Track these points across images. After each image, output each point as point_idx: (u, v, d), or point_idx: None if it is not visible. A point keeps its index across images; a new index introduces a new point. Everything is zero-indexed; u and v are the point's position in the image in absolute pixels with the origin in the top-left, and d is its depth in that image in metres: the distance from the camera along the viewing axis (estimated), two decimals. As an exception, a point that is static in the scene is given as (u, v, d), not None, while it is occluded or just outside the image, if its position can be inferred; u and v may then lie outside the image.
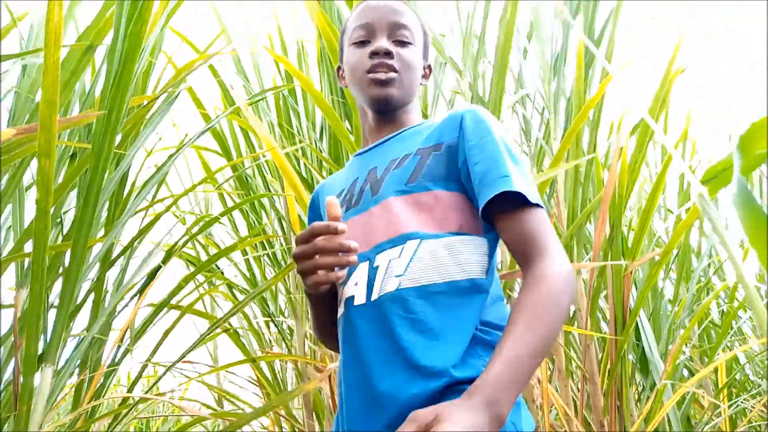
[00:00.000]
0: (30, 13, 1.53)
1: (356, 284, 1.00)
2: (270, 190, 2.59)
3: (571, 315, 2.15)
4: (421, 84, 1.19)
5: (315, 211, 1.25)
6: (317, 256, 0.91)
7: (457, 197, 1.00)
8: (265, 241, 2.60)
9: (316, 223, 0.91)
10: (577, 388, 2.20)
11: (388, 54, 1.08)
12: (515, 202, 0.93)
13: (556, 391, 2.09)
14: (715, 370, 2.72)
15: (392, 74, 1.08)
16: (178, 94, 1.62)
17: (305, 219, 1.31)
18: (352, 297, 0.99)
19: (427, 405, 0.82)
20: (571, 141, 1.91)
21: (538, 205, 0.94)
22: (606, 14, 2.39)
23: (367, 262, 1.00)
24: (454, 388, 0.87)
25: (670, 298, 2.70)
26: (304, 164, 2.44)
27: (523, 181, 0.94)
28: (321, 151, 2.50)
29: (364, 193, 1.07)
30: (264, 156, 2.43)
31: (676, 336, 2.33)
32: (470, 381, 0.84)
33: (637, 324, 2.15)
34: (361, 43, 1.12)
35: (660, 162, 3.31)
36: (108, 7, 1.43)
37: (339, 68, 1.24)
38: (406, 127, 1.14)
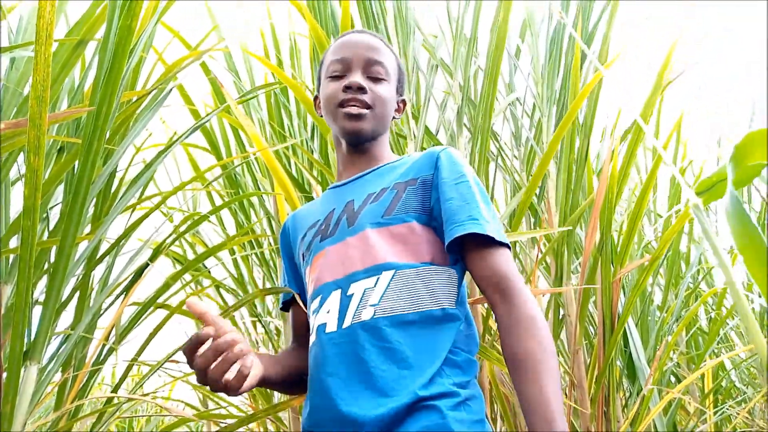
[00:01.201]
0: (19, 4, 1.50)
1: (328, 312, 1.02)
2: (259, 189, 2.57)
3: (560, 319, 2.15)
4: (394, 118, 1.25)
5: (286, 237, 1.29)
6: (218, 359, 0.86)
7: (429, 231, 1.05)
8: (253, 241, 2.57)
9: (200, 333, 0.86)
10: (565, 394, 2.20)
11: (361, 89, 1.14)
12: (485, 241, 0.99)
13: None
14: (702, 377, 2.73)
15: (364, 110, 1.13)
16: (170, 91, 1.60)
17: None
18: (324, 324, 1.01)
19: (392, 425, 0.88)
20: (561, 137, 1.91)
21: (506, 245, 1.00)
22: (601, 13, 2.38)
23: (340, 290, 1.02)
24: (416, 406, 0.90)
25: (658, 303, 2.70)
26: (295, 163, 2.43)
27: (493, 224, 1.00)
28: (312, 151, 2.49)
29: (341, 224, 1.10)
30: (254, 154, 2.41)
31: (663, 342, 2.34)
32: (434, 397, 0.90)
33: (625, 330, 2.15)
34: (337, 77, 1.17)
35: (650, 166, 3.32)
36: (99, 2, 1.40)
37: (316, 98, 1.30)
38: (378, 159, 1.20)
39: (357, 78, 1.15)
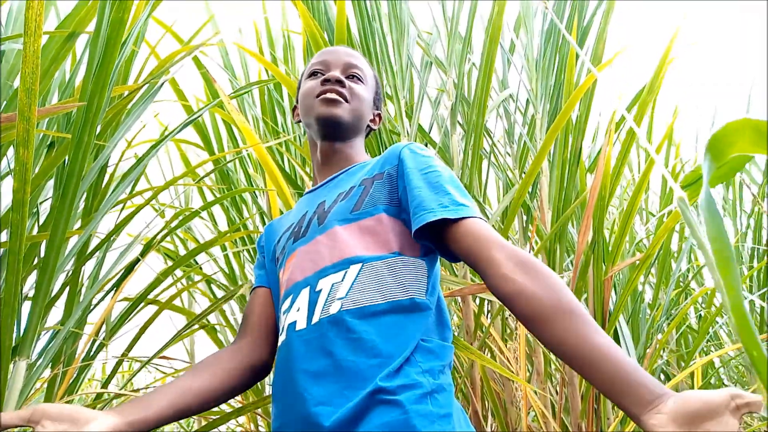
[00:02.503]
0: (10, -3, 1.49)
1: (298, 310, 1.01)
2: (252, 185, 2.56)
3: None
4: (370, 129, 1.29)
5: (261, 246, 1.30)
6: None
7: (398, 223, 1.05)
8: (245, 237, 2.57)
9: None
10: (556, 391, 2.20)
11: (340, 82, 1.18)
12: (459, 221, 0.97)
13: (535, 393, 2.09)
14: (691, 375, 2.74)
15: (341, 99, 1.17)
16: (161, 86, 1.59)
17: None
18: (294, 322, 1.00)
19: (355, 417, 0.85)
20: (554, 136, 1.91)
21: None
22: (595, 9, 2.38)
23: (308, 287, 1.01)
24: (377, 399, 0.87)
25: (649, 302, 2.71)
26: (288, 159, 2.42)
27: (469, 207, 0.99)
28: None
29: (311, 224, 1.10)
30: (245, 149, 2.40)
31: (654, 340, 2.34)
32: (396, 390, 0.86)
33: (616, 328, 2.16)
34: (316, 75, 1.22)
35: (644, 163, 3.33)
36: (91, -6, 1.39)
37: (295, 108, 1.32)
38: (351, 163, 1.21)
39: (336, 73, 1.19)
